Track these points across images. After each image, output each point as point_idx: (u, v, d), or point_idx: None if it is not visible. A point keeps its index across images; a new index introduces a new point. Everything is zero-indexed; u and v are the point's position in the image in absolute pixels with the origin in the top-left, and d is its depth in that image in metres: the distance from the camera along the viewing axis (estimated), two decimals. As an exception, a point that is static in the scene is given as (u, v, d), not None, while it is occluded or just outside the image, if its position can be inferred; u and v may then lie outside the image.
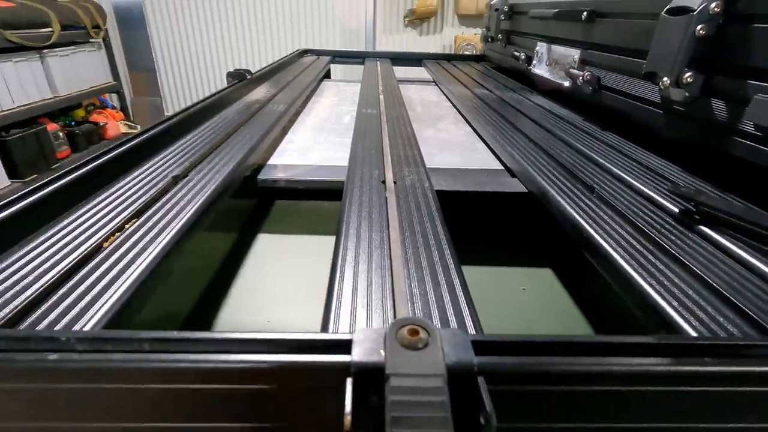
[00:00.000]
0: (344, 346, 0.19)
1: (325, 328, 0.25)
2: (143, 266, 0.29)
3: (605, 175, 0.50)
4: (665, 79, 0.51)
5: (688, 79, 0.49)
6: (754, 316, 0.26)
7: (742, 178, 0.47)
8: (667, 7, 0.51)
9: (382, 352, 0.19)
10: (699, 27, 0.47)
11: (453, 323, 0.25)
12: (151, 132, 0.54)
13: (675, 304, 0.28)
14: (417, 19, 3.05)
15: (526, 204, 0.50)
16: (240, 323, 0.39)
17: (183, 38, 3.04)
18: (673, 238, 0.35)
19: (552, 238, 0.52)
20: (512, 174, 0.57)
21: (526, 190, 0.51)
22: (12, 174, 2.00)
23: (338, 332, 0.23)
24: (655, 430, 0.19)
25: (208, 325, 0.38)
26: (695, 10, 0.47)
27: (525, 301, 0.44)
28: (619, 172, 0.50)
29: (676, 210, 0.40)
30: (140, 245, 0.31)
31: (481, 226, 0.57)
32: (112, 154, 0.45)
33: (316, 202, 0.60)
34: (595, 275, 0.36)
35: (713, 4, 0.46)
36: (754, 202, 0.43)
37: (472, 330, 0.23)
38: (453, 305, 0.26)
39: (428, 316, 0.25)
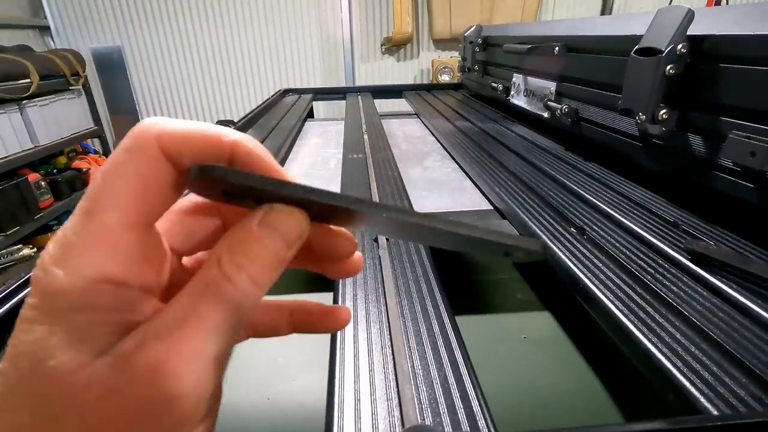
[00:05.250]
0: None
1: (329, 426, 0.24)
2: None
3: (593, 214, 0.51)
4: (641, 115, 0.53)
5: (664, 116, 0.51)
6: (764, 377, 0.25)
7: (723, 208, 0.48)
8: (636, 47, 0.53)
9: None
10: (668, 67, 0.49)
11: (460, 410, 0.24)
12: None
13: (680, 365, 0.27)
14: (394, 46, 3.12)
15: (518, 248, 0.50)
16: (239, 403, 0.37)
17: (164, 78, 3.06)
18: (671, 285, 0.36)
19: (548, 282, 0.52)
20: (502, 215, 0.57)
21: (518, 234, 0.51)
22: (-7, 229, 1.96)
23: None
24: None
25: (206, 407, 0.37)
26: (663, 52, 0.48)
27: (528, 351, 0.43)
28: (607, 209, 0.51)
29: (669, 251, 0.41)
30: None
31: (475, 271, 0.57)
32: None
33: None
34: (597, 323, 0.36)
35: (680, 46, 0.47)
36: (736, 232, 0.44)
37: (482, 421, 0.23)
38: (458, 387, 0.26)
39: (434, 402, 0.25)
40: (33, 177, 2.17)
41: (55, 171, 2.45)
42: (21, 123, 2.16)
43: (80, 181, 2.54)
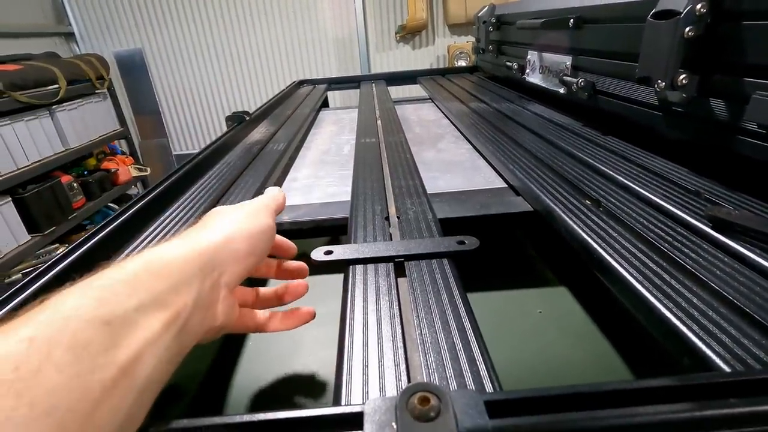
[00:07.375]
0: (355, 421, 0.19)
1: (337, 390, 0.25)
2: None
3: (611, 186, 0.49)
4: (660, 82, 0.51)
5: (683, 81, 0.49)
6: (779, 336, 0.25)
7: (747, 174, 0.46)
8: (653, 11, 0.51)
9: (394, 425, 0.18)
10: (687, 29, 0.46)
11: (467, 373, 0.24)
12: (158, 190, 0.55)
13: (695, 328, 0.27)
14: (409, 34, 3.09)
15: (533, 223, 0.50)
16: (259, 377, 0.39)
17: (183, 77, 3.13)
18: (689, 252, 0.34)
19: (563, 256, 0.51)
20: (516, 192, 0.56)
21: (532, 209, 0.50)
22: (32, 229, 2.06)
23: (350, 400, 0.23)
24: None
25: (228, 381, 0.39)
26: (681, 13, 0.46)
27: (543, 324, 0.43)
28: (625, 181, 0.50)
29: (689, 219, 0.39)
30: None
31: (490, 248, 0.56)
32: (117, 222, 0.46)
33: (324, 239, 0.60)
34: (611, 292, 0.35)
35: (699, 5, 0.45)
36: (761, 197, 0.42)
37: (488, 383, 0.23)
38: (465, 352, 0.26)
39: (441, 367, 0.25)
40: (66, 179, 2.27)
41: (85, 172, 2.55)
42: (52, 127, 2.25)
43: (109, 181, 2.63)
